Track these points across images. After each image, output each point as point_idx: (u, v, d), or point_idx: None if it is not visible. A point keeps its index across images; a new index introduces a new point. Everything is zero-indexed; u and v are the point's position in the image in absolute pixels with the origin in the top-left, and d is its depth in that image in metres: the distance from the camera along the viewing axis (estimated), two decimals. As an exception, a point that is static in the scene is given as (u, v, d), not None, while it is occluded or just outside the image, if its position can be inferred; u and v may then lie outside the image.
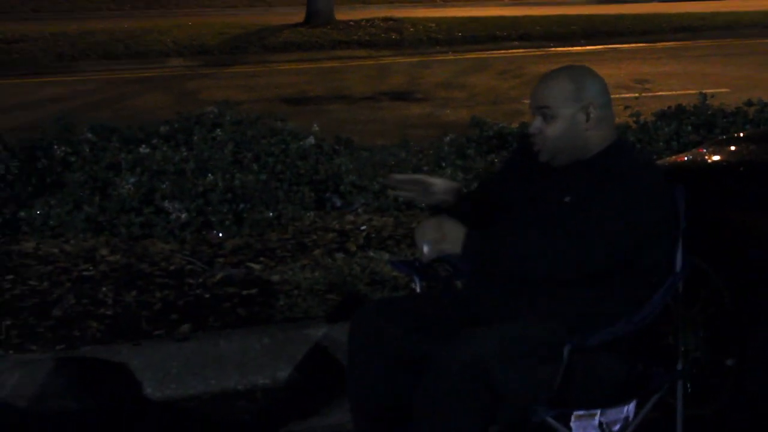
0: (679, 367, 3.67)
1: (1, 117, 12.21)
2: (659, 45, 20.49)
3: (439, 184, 3.73)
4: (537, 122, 3.51)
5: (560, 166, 3.53)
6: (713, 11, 24.94)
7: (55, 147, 6.69)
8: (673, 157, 4.81)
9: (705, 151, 4.73)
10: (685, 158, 4.66)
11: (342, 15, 23.38)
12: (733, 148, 4.69)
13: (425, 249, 3.39)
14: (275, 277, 5.53)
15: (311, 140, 7.18)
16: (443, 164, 7.23)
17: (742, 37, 21.65)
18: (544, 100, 3.49)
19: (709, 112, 7.97)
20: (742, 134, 5.62)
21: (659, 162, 4.78)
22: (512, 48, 20.25)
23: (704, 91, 8.53)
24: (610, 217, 3.29)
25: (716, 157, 4.59)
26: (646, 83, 14.32)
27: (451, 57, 19.22)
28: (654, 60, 17.92)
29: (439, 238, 3.38)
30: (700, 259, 3.89)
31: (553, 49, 20.12)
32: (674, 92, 12.98)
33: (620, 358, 3.41)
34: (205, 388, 4.74)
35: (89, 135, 6.86)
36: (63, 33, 20.76)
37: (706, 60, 17.77)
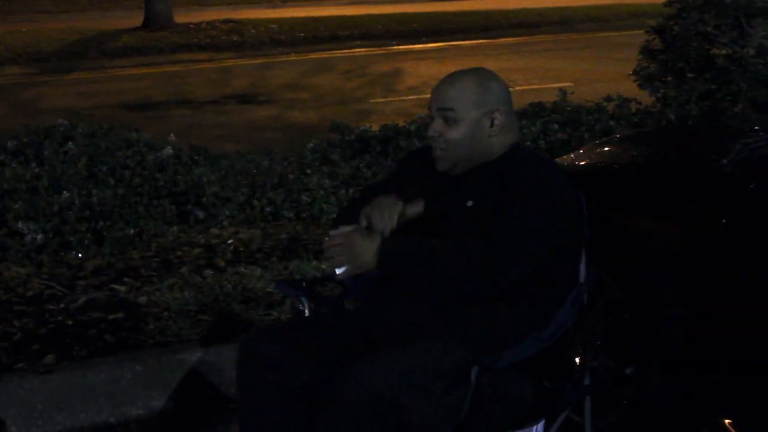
0: (587, 381, 3.54)
1: None
2: (500, 41, 20.74)
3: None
4: (437, 125, 3.34)
5: (460, 174, 3.36)
6: (549, 7, 25.31)
7: None
8: (564, 157, 4.68)
9: (592, 152, 4.63)
10: (573, 160, 4.53)
11: (181, 17, 22.97)
12: (616, 149, 4.62)
13: (339, 270, 3.24)
14: (142, 299, 5.21)
15: (168, 150, 6.86)
16: (308, 171, 7.00)
17: (578, 31, 22.13)
18: (449, 102, 3.32)
19: (569, 108, 7.94)
20: (625, 135, 5.57)
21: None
22: (355, 47, 20.19)
23: (548, 85, 8.54)
24: (531, 223, 3.12)
25: (603, 160, 4.50)
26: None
27: (294, 58, 19.05)
28: (496, 56, 18.07)
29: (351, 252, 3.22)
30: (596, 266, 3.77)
31: (395, 47, 20.14)
32: (518, 87, 12.92)
33: (527, 377, 3.22)
34: (73, 424, 4.42)
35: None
36: None
37: (546, 55, 18.01)
